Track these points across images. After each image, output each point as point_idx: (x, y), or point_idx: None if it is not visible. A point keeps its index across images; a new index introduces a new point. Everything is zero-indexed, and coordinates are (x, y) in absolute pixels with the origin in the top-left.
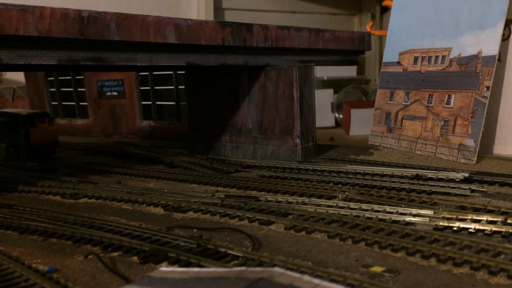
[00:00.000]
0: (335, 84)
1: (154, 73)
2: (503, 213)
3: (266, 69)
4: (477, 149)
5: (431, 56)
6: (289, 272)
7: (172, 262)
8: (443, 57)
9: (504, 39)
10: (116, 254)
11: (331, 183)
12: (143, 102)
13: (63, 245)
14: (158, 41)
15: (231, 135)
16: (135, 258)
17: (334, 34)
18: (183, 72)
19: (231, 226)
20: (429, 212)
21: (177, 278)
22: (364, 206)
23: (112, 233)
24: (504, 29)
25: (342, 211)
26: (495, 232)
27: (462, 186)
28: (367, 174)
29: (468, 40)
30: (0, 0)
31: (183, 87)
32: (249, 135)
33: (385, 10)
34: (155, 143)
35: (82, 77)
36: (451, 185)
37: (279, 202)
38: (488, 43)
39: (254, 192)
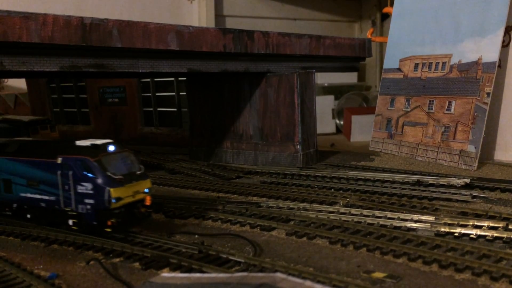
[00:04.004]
0: (336, 91)
1: (156, 79)
2: (504, 219)
3: (267, 75)
4: (478, 155)
5: (432, 63)
6: (291, 278)
7: (174, 268)
8: (444, 63)
9: (504, 45)
10: (117, 260)
11: (332, 189)
12: (144, 109)
13: (65, 251)
14: (159, 48)
15: (232, 142)
16: (137, 264)
17: (334, 41)
18: (185, 78)
19: (232, 232)
20: (431, 218)
21: (179, 284)
22: (365, 212)
23: (113, 239)
24: (504, 35)
25: (344, 217)
26: (497, 238)
27: (463, 192)
28: (368, 180)
29: (469, 46)
30: (3, 7)
31: (185, 93)
32: (250, 142)
33: (386, 17)
34: (157, 149)
35: (83, 83)
36: (452, 191)
37: (280, 208)
38: (488, 49)
39: (255, 198)
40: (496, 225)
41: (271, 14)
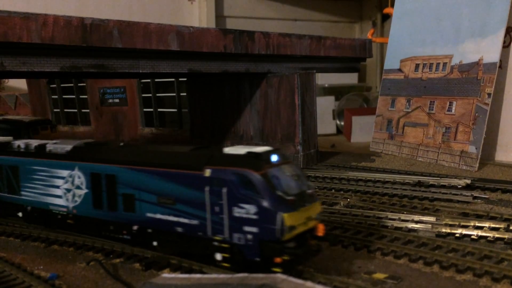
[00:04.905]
0: (336, 91)
1: (156, 80)
2: (505, 220)
3: (267, 76)
4: (479, 156)
5: (432, 63)
6: (291, 279)
7: (174, 269)
8: (444, 64)
9: (505, 46)
10: (118, 260)
11: (333, 190)
12: (145, 109)
13: (65, 252)
14: (160, 48)
15: (232, 142)
16: (137, 265)
17: (335, 42)
18: (185, 79)
19: None
20: (432, 219)
21: (179, 284)
22: (366, 212)
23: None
24: (505, 36)
25: (344, 218)
26: (498, 238)
27: (464, 192)
28: (369, 180)
29: (469, 47)
30: (4, 7)
31: (185, 94)
32: (250, 142)
33: (386, 17)
34: None
35: (84, 84)
36: (453, 191)
37: None
38: (489, 50)
39: None
40: (497, 226)
41: (271, 15)
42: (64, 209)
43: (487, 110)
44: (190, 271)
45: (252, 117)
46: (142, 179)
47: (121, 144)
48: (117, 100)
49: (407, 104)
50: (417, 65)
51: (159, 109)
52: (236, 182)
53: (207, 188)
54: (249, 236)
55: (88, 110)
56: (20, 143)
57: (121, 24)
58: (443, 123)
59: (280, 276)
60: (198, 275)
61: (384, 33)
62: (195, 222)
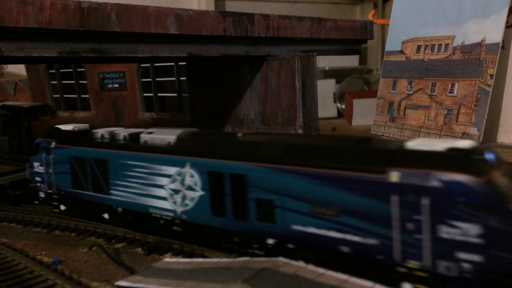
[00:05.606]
0: (337, 74)
1: (156, 64)
2: None
3: (268, 59)
4: (481, 138)
5: (434, 44)
6: (293, 262)
7: (177, 253)
8: (446, 45)
9: (508, 26)
10: (120, 245)
11: None
12: (145, 94)
13: (67, 237)
14: (159, 32)
15: (233, 126)
16: (139, 249)
17: (336, 23)
18: (185, 63)
19: None
20: None
21: (181, 268)
22: None
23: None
24: (508, 16)
25: None
26: None
27: None
28: None
29: (472, 27)
30: None
31: (185, 78)
32: (251, 126)
33: None
34: None
35: (83, 69)
36: None
37: None
38: (491, 30)
39: None
40: None
41: None
42: (170, 214)
43: (489, 91)
44: (192, 255)
45: (253, 101)
46: (287, 182)
47: (239, 134)
48: (116, 85)
49: (408, 86)
50: (418, 47)
51: (159, 94)
52: (445, 192)
53: (394, 198)
54: (467, 266)
55: (87, 96)
56: (104, 132)
57: (119, 7)
58: (445, 105)
59: (282, 259)
60: (200, 259)
61: (386, 14)
62: (372, 241)
